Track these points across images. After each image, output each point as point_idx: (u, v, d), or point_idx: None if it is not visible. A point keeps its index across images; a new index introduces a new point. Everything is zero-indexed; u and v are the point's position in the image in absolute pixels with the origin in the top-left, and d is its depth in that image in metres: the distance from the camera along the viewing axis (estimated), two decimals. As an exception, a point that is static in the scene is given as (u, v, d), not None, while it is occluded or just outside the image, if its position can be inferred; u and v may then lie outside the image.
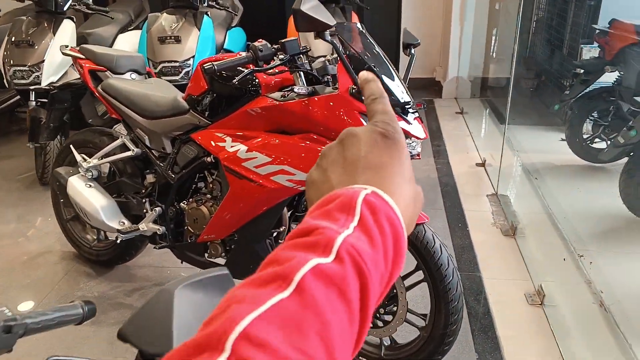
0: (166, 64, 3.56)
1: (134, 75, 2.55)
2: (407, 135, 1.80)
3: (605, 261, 2.74)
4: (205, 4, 3.88)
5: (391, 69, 1.88)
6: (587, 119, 3.69)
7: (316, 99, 1.78)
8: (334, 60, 1.85)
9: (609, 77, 3.60)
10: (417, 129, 1.82)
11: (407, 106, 1.78)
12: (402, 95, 1.79)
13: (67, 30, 3.63)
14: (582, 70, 3.65)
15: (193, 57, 3.62)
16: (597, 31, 3.77)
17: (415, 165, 3.91)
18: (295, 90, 1.79)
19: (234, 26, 4.62)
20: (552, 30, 4.95)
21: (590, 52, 3.91)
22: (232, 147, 1.93)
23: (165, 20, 3.73)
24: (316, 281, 0.33)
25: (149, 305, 0.64)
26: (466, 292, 2.51)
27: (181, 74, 3.56)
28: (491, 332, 2.28)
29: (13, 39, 3.54)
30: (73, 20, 3.73)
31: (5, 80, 3.58)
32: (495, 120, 4.83)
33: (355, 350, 0.36)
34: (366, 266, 0.36)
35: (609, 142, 3.57)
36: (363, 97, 0.49)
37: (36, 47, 3.50)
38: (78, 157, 2.51)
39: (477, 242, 2.94)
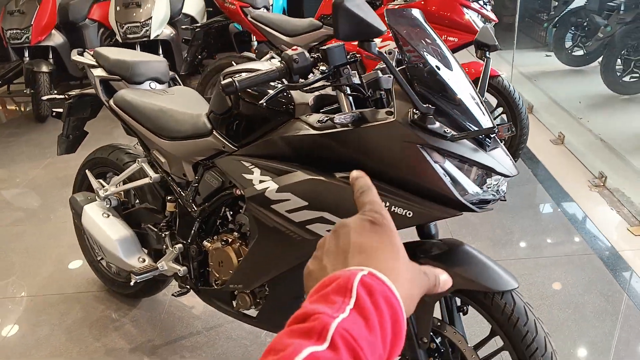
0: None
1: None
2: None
3: (596, 119, 3.93)
4: None
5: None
6: (569, 32, 4.86)
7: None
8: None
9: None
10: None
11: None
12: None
13: (164, -8, 4.52)
14: (561, -6, 4.83)
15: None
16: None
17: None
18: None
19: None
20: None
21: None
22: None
23: None
24: None
25: None
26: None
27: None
28: (534, 159, 3.42)
29: (123, 2, 4.41)
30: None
31: (118, 36, 4.44)
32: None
33: None
34: (362, 351, 0.36)
35: (586, 50, 4.75)
36: (353, 192, 0.53)
37: (143, 6, 4.38)
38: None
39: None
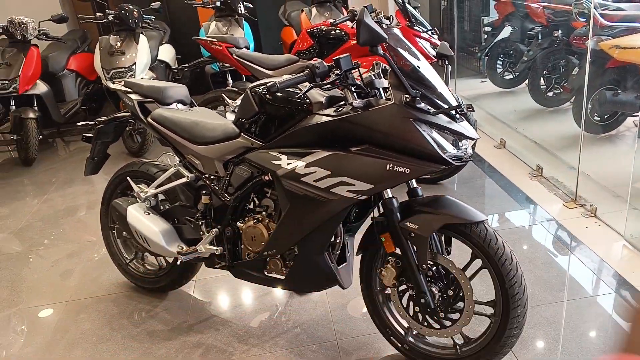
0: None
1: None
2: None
3: (531, 128, 4.66)
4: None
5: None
6: (499, 60, 5.68)
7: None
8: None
9: (507, 31, 5.64)
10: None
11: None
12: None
13: (144, 41, 4.99)
14: (490, 28, 5.66)
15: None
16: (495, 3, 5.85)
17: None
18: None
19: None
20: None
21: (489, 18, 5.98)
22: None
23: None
24: None
25: None
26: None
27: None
28: (483, 161, 4.05)
29: (108, 51, 4.85)
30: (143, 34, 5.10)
31: (104, 80, 4.85)
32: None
33: None
34: None
35: (515, 73, 5.56)
36: None
37: (127, 54, 4.83)
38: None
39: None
